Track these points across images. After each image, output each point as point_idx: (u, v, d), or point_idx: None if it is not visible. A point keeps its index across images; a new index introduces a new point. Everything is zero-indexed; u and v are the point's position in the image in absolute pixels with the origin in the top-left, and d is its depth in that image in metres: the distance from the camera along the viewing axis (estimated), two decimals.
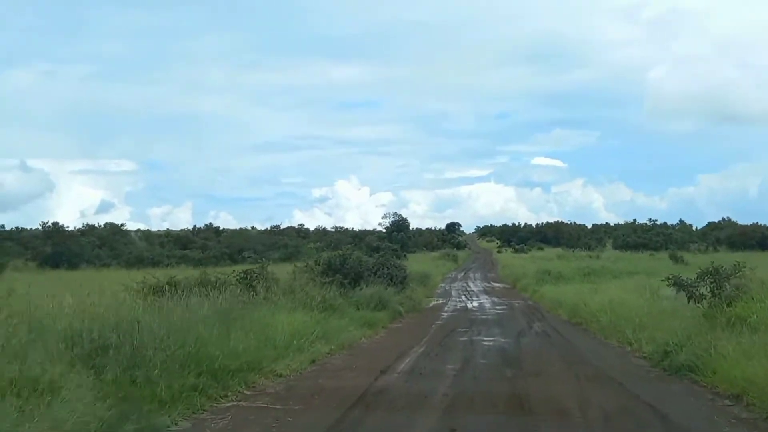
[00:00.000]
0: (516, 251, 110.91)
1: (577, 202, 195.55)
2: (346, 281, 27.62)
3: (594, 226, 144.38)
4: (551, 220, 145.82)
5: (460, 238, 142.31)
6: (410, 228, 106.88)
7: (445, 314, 31.28)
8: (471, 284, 55.94)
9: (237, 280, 22.64)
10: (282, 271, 27.00)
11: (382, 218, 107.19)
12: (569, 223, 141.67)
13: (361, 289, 27.97)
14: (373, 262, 33.39)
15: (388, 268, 33.20)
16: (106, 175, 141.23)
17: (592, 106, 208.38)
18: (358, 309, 25.38)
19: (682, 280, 18.91)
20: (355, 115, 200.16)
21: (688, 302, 18.66)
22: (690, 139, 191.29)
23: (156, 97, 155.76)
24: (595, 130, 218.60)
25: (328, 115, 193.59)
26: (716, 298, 17.70)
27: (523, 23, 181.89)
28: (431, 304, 37.14)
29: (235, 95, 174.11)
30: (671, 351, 14.86)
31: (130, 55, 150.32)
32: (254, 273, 23.08)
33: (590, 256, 77.65)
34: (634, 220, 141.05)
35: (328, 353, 16.95)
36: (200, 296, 17.74)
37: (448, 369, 14.79)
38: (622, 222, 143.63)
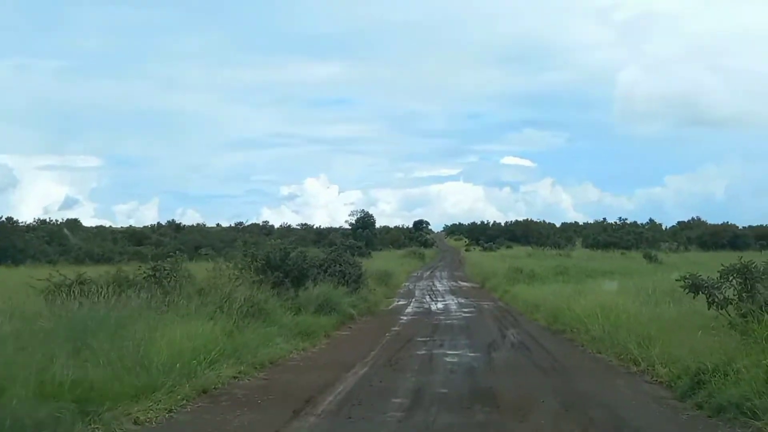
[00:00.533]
0: (484, 249, 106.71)
1: (545, 201, 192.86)
2: (287, 280, 23.01)
3: (563, 224, 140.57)
4: (520, 219, 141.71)
5: (427, 236, 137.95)
6: (376, 225, 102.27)
7: (405, 318, 26.78)
8: (437, 283, 51.57)
9: (144, 278, 18.12)
10: None
11: (349, 215, 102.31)
12: (538, 221, 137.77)
13: (305, 290, 23.42)
14: (323, 258, 28.79)
15: (340, 264, 28.63)
16: (71, 171, 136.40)
17: (563, 108, 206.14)
18: (297, 313, 20.84)
19: (702, 280, 14.52)
20: (328, 114, 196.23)
21: (709, 308, 14.34)
22: (658, 141, 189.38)
23: (129, 93, 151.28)
24: (565, 131, 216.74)
25: (301, 113, 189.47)
26: (747, 304, 13.38)
27: (498, 24, 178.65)
28: (391, 306, 32.64)
29: (210, 92, 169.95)
30: (706, 380, 10.45)
31: (105, 50, 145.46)
32: (164, 270, 18.43)
33: (561, 255, 73.76)
34: (604, 218, 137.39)
35: (235, 377, 12.36)
36: (99, 297, 14.34)
37: (392, 407, 10.24)
38: (591, 221, 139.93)
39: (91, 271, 18.89)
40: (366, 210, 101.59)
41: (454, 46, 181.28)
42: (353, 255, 74.07)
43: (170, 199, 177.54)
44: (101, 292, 14.83)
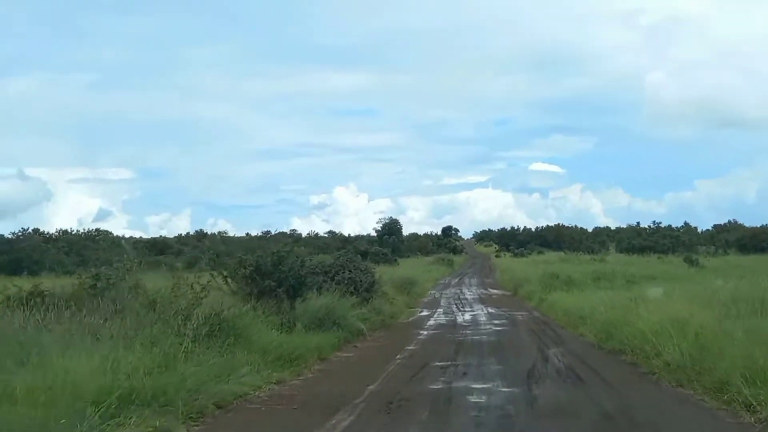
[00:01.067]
0: (515, 255, 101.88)
1: (575, 207, 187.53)
2: (280, 289, 18.74)
3: (595, 229, 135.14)
4: (551, 224, 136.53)
5: (456, 242, 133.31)
6: (403, 232, 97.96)
7: (425, 333, 22.42)
8: (465, 291, 47.13)
9: (85, 289, 14.06)
10: None
11: (377, 223, 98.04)
12: (570, 226, 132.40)
13: (304, 301, 19.15)
14: (329, 264, 24.53)
15: (349, 271, 24.34)
16: (103, 183, 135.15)
17: (591, 113, 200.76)
18: (289, 331, 16.63)
19: None
20: (354, 123, 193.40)
21: None
22: (688, 145, 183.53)
23: (155, 105, 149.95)
24: (593, 135, 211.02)
25: (327, 123, 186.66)
26: None
27: (523, 30, 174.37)
28: (412, 318, 28.32)
29: (235, 103, 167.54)
30: None
31: (130, 62, 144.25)
32: (108, 279, 14.27)
33: (595, 260, 69.02)
34: (638, 223, 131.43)
35: None
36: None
37: None
38: (623, 226, 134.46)
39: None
40: (393, 217, 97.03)
41: (480, 52, 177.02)
42: (378, 262, 69.99)
43: (201, 210, 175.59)
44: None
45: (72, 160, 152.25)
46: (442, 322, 26.50)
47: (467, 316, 28.57)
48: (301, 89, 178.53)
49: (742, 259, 65.82)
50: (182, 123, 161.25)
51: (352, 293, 22.63)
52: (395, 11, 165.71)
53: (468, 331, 22.46)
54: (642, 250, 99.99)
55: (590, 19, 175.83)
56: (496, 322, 25.77)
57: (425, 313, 30.76)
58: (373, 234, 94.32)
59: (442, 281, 60.72)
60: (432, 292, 46.35)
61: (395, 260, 79.26)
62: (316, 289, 20.62)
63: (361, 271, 24.63)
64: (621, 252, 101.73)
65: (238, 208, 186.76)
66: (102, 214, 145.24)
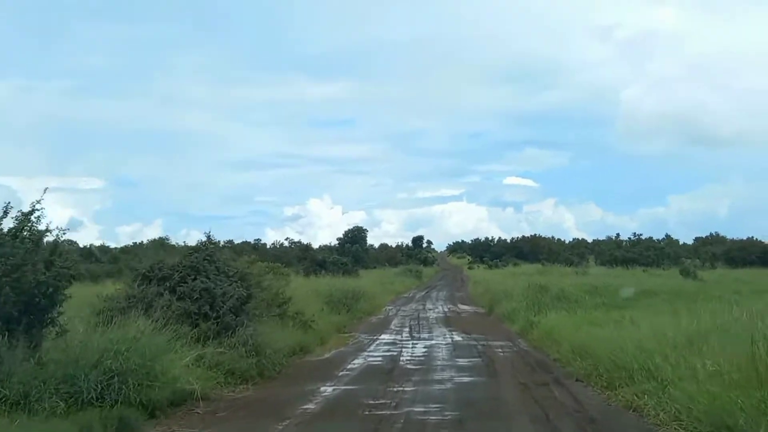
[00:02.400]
0: (489, 267, 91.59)
1: (548, 221, 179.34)
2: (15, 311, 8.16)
3: (574, 240, 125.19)
4: (527, 235, 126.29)
5: (428, 254, 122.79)
6: (367, 240, 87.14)
7: (327, 392, 11.90)
8: (429, 307, 36.73)
9: None
10: None
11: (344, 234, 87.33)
12: (547, 237, 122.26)
13: (57, 336, 8.64)
14: (172, 266, 13.87)
15: (207, 278, 13.69)
16: (75, 193, 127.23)
17: (565, 127, 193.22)
18: None
19: None
20: (331, 133, 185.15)
21: None
22: (661, 160, 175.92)
23: (131, 113, 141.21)
24: (568, 150, 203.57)
25: (305, 133, 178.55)
26: None
27: (501, 42, 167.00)
28: (333, 351, 17.90)
29: (212, 111, 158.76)
30: None
31: (106, 69, 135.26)
32: None
33: (577, 272, 58.81)
34: (617, 234, 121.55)
35: None
36: None
37: None
38: (599, 239, 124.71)
39: None
40: (360, 225, 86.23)
41: (456, 64, 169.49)
42: (336, 273, 58.97)
43: (173, 220, 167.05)
44: None
45: (43, 169, 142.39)
46: (375, 360, 16.06)
47: (419, 349, 18.18)
48: (279, 98, 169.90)
49: (736, 273, 56.30)
50: (158, 131, 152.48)
51: (201, 319, 12.09)
52: (375, 22, 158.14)
53: (409, 386, 12.05)
54: (625, 262, 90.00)
55: (567, 32, 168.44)
56: (462, 362, 15.40)
57: (361, 340, 20.43)
58: (336, 243, 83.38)
59: (406, 295, 50.30)
60: (388, 308, 35.91)
61: (356, 271, 68.83)
62: (121, 314, 10.07)
63: (227, 277, 13.93)
64: (602, 264, 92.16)
65: (211, 218, 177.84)
66: (73, 224, 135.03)
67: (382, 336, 21.72)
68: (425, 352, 17.70)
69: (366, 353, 17.30)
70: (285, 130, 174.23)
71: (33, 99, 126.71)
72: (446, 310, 34.94)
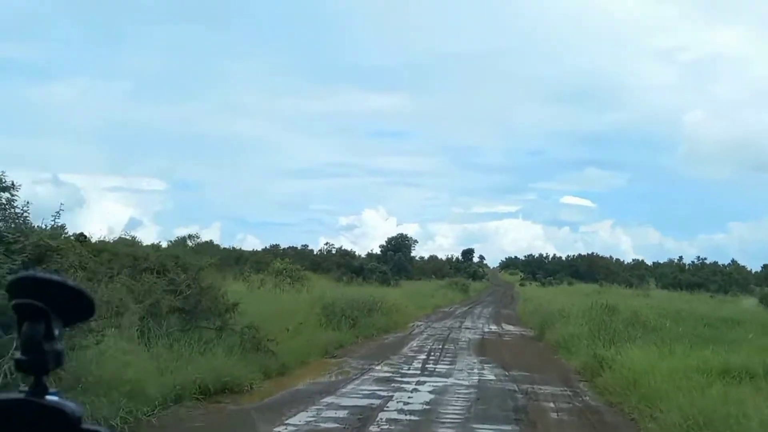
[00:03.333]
0: (542, 285, 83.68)
1: (605, 242, 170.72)
2: None
3: (634, 261, 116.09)
4: (584, 253, 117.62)
5: (478, 268, 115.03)
6: (412, 249, 79.91)
7: None
8: (467, 326, 29.79)
9: None
10: None
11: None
12: (605, 257, 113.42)
13: None
14: None
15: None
16: (136, 193, 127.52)
17: (625, 148, 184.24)
18: None
19: None
20: (386, 145, 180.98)
21: None
22: (723, 186, 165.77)
23: (191, 117, 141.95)
24: (627, 171, 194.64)
25: (360, 144, 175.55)
26: None
27: (562, 59, 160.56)
28: (247, 403, 10.81)
29: (269, 119, 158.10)
30: None
31: (168, 73, 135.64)
32: None
33: (638, 295, 50.94)
34: (680, 257, 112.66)
35: None
36: None
37: None
38: (660, 261, 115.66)
39: None
40: (404, 233, 79.08)
41: (515, 79, 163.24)
42: (374, 282, 52.14)
43: (231, 225, 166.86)
44: None
45: (106, 168, 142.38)
46: (326, 423, 9.04)
47: (422, 395, 11.30)
48: (336, 109, 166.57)
49: None
50: (217, 137, 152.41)
51: None
52: (434, 34, 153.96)
53: None
54: (689, 286, 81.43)
55: (631, 53, 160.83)
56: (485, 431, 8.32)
57: (345, 371, 13.58)
58: (379, 251, 76.45)
59: (445, 309, 43.17)
60: (417, 324, 29.01)
61: (396, 280, 61.98)
62: None
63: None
64: (664, 287, 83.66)
65: (267, 224, 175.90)
66: (133, 224, 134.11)
67: (381, 366, 14.77)
68: (428, 402, 10.78)
69: (326, 401, 10.34)
70: (341, 140, 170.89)
71: (97, 100, 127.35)
72: (486, 330, 27.85)
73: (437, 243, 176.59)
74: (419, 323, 29.96)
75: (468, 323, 32.04)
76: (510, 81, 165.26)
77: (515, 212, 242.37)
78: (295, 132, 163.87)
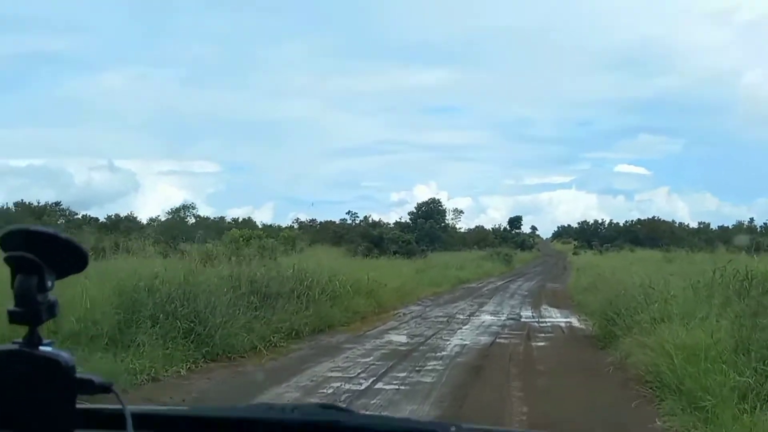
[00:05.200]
0: (599, 252, 70.86)
1: (661, 210, 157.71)
2: None
3: (701, 224, 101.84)
4: (643, 218, 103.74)
5: (528, 238, 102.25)
6: (447, 216, 67.75)
7: None
8: (489, 310, 18.62)
9: None
10: None
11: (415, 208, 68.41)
12: (668, 221, 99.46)
13: None
14: None
15: None
16: (189, 176, 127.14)
17: (679, 113, 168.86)
18: None
19: None
20: (436, 121, 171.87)
21: None
22: None
23: (240, 101, 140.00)
24: (681, 137, 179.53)
25: (409, 120, 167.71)
26: None
27: (611, 28, 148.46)
28: None
29: (317, 100, 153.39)
30: None
31: (218, 59, 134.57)
32: None
33: (716, 262, 37.98)
34: (751, 219, 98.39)
35: None
36: None
37: None
38: (728, 226, 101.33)
39: None
40: (436, 198, 66.88)
41: (563, 51, 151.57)
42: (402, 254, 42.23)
43: (283, 204, 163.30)
44: None
45: (160, 153, 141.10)
46: None
47: None
48: (384, 86, 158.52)
49: None
50: (266, 119, 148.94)
51: None
52: (480, 8, 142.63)
53: None
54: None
55: (681, 16, 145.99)
56: None
57: None
58: (408, 219, 64.57)
59: (472, 285, 31.56)
60: (401, 312, 17.48)
61: (423, 251, 50.21)
62: None
63: None
64: (738, 251, 70.46)
65: (319, 203, 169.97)
66: (186, 206, 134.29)
67: None
68: None
69: None
70: (390, 117, 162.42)
71: (149, 87, 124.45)
72: (512, 321, 16.14)
73: (489, 216, 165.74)
74: (410, 309, 18.50)
75: (491, 306, 20.39)
76: (558, 52, 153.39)
77: (568, 183, 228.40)
78: (343, 111, 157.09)
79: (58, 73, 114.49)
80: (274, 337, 11.13)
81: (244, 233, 25.93)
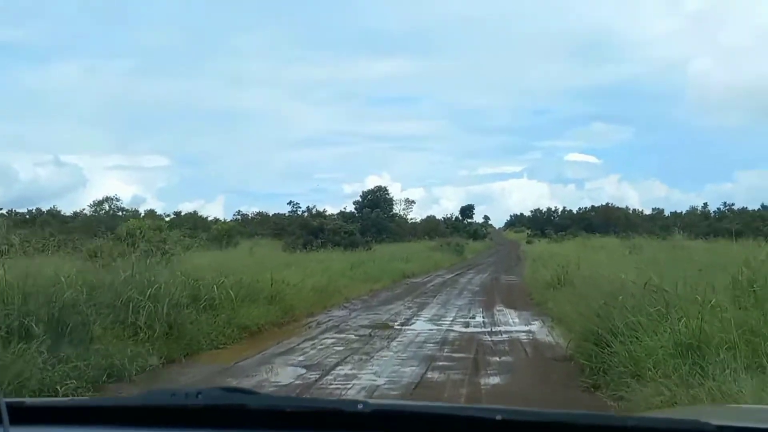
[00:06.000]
0: (555, 241, 67.34)
1: (612, 197, 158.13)
2: None
3: (655, 210, 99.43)
4: (596, 205, 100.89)
5: (480, 228, 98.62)
6: (394, 205, 63.43)
7: None
8: (428, 316, 14.22)
9: None
10: None
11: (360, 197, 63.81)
12: (622, 207, 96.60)
13: None
14: None
15: None
16: (139, 171, 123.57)
17: (630, 101, 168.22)
18: None
19: None
20: (390, 111, 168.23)
21: None
22: (729, 134, 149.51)
23: (194, 92, 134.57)
24: (632, 125, 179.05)
25: (364, 111, 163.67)
26: None
27: (563, 16, 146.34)
28: None
29: (272, 90, 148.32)
30: None
31: (168, 49, 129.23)
32: None
33: (675, 247, 34.52)
34: (705, 204, 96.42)
35: None
36: None
37: None
38: (682, 211, 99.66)
39: None
40: (382, 185, 62.25)
41: (519, 39, 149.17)
42: (345, 246, 38.11)
43: (234, 197, 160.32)
44: None
45: (108, 147, 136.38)
46: None
47: None
48: (339, 76, 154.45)
49: None
50: (219, 111, 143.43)
51: None
52: None
53: None
54: (724, 234, 64.86)
55: (633, 4, 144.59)
56: None
57: None
58: (354, 209, 59.89)
59: (417, 279, 27.47)
60: (338, 314, 13.02)
61: (368, 242, 45.69)
62: None
63: None
64: (696, 238, 67.75)
65: (271, 195, 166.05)
66: (136, 201, 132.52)
67: None
68: None
69: None
70: (344, 107, 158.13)
71: (98, 79, 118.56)
72: (455, 335, 11.87)
73: (442, 206, 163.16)
74: (330, 316, 14.13)
75: (432, 309, 16.15)
76: (513, 41, 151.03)
77: (520, 172, 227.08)
78: (297, 101, 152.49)
79: (2, 63, 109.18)
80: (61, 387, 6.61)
81: (141, 225, 21.20)
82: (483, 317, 14.61)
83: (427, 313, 15.26)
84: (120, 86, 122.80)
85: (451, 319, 14.27)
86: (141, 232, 20.77)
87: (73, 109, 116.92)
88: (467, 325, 13.29)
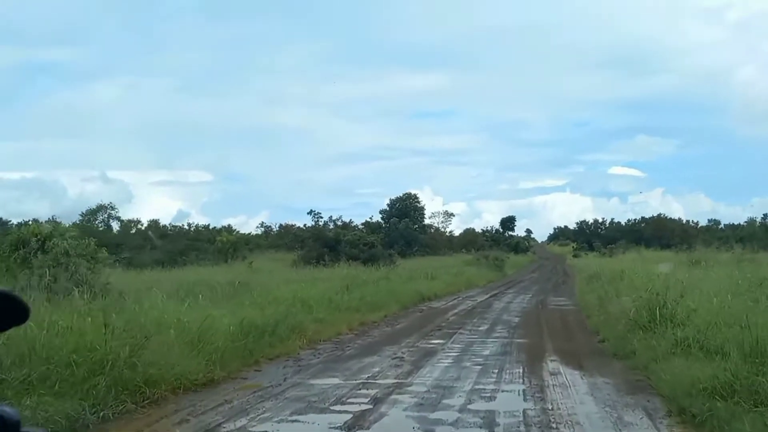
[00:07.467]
0: (604, 254, 59.51)
1: (655, 211, 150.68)
2: None
3: (711, 221, 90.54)
4: (647, 216, 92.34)
5: (522, 240, 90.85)
6: (426, 214, 56.18)
7: None
8: (432, 380, 7.38)
9: None
10: None
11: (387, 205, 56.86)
12: (675, 219, 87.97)
13: None
14: None
15: None
16: (183, 186, 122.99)
17: (674, 113, 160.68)
18: None
19: None
20: (432, 125, 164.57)
21: None
22: None
23: (235, 110, 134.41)
24: (676, 137, 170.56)
25: (404, 125, 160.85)
26: None
27: (605, 27, 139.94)
28: None
29: (313, 107, 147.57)
30: None
31: (211, 68, 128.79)
32: None
33: (742, 261, 26.98)
34: (764, 215, 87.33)
35: None
36: None
37: None
38: (740, 223, 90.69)
39: None
40: (412, 192, 55.07)
41: (559, 51, 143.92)
42: (364, 260, 31.30)
43: (278, 212, 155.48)
44: None
45: (153, 164, 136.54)
46: None
47: None
48: (379, 92, 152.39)
49: None
50: (261, 128, 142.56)
51: None
52: (474, 10, 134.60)
53: None
54: None
55: (675, 14, 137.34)
56: None
57: None
58: (380, 219, 52.89)
59: (438, 304, 20.56)
60: (272, 375, 6.15)
61: (390, 256, 38.71)
62: None
63: None
64: (758, 250, 59.54)
65: (314, 211, 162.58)
66: (181, 216, 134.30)
67: None
68: None
69: None
70: (385, 123, 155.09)
71: (141, 97, 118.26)
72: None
73: (484, 220, 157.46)
74: (262, 378, 7.21)
75: (439, 366, 9.19)
76: (553, 53, 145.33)
77: (563, 186, 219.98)
78: (340, 118, 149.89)
79: (49, 84, 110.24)
80: None
81: (42, 231, 14.67)
82: (523, 392, 7.66)
83: (424, 380, 8.36)
84: (163, 104, 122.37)
85: (462, 396, 7.33)
86: (37, 241, 14.30)
87: (119, 126, 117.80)
88: (491, 422, 6.35)
